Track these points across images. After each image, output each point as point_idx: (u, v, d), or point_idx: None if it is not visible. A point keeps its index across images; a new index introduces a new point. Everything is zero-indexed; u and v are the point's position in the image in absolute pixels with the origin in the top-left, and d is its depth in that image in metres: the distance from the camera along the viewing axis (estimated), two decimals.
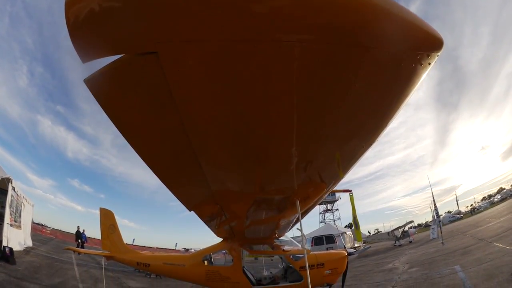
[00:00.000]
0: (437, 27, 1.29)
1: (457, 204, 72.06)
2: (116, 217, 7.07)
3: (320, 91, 1.51)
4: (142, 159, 2.02)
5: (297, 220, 5.13)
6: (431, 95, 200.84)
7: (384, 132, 2.00)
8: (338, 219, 58.13)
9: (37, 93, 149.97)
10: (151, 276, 12.47)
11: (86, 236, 18.09)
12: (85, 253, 14.98)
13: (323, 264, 5.71)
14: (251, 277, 5.88)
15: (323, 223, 50.69)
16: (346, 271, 6.04)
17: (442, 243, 15.14)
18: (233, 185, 2.78)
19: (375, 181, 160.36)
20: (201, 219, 3.93)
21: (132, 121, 1.70)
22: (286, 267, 6.52)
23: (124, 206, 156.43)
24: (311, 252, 6.15)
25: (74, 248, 10.82)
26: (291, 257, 5.91)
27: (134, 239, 36.73)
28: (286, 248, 6.03)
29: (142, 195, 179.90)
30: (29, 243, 14.21)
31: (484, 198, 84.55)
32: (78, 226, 17.16)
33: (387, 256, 16.68)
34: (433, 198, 22.03)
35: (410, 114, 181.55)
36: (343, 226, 32.81)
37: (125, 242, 7.09)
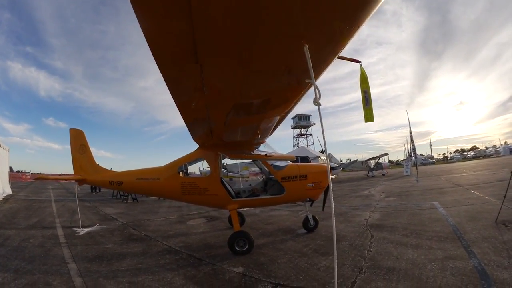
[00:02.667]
0: None
1: (431, 148, 76.19)
2: (92, 149, 6.28)
3: None
4: None
5: (286, 115, 4.17)
6: (414, 40, 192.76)
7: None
8: (312, 144, 60.73)
9: (5, 40, 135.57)
10: (128, 201, 13.01)
11: None
12: (55, 179, 14.58)
13: (306, 176, 5.26)
14: (230, 189, 5.40)
15: (296, 147, 52.73)
16: (328, 189, 5.63)
17: (417, 180, 15.72)
18: (224, 19, 1.79)
19: (350, 112, 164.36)
20: (172, 94, 2.79)
21: None
22: (267, 179, 6.12)
23: (100, 136, 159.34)
24: (293, 163, 5.58)
25: (42, 176, 10.77)
26: (272, 166, 5.32)
27: (111, 168, 37.70)
28: (268, 154, 5.36)
29: (117, 123, 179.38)
30: (8, 191, 13.97)
31: (457, 151, 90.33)
32: None
33: (361, 184, 17.50)
34: (411, 133, 21.18)
35: (391, 52, 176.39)
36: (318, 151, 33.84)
37: None
